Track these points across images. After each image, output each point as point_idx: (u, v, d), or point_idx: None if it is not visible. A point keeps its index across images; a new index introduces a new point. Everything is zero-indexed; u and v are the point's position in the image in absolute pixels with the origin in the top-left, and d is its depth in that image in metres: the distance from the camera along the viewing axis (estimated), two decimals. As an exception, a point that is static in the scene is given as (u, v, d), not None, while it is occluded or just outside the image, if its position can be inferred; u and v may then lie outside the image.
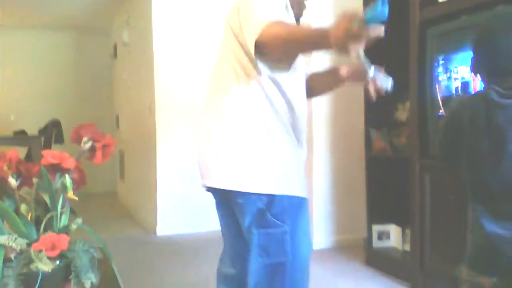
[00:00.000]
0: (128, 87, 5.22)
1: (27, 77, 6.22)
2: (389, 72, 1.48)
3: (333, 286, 2.87)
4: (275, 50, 1.34)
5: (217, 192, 1.58)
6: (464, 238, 2.33)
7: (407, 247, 3.03)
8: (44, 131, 4.79)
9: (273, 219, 1.47)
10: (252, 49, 1.34)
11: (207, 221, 3.87)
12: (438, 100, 2.44)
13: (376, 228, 3.27)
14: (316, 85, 1.71)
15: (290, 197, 1.49)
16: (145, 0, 4.31)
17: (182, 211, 4.10)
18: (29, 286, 1.06)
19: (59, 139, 4.79)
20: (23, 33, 6.19)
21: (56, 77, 6.31)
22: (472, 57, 1.30)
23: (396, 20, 2.72)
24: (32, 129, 4.94)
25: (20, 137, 4.71)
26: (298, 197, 1.51)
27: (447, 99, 2.39)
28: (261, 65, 1.39)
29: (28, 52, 6.25)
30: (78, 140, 1.28)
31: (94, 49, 6.42)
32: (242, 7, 1.45)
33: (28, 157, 4.09)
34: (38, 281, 1.07)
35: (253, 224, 1.49)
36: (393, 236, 3.26)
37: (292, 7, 1.50)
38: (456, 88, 2.35)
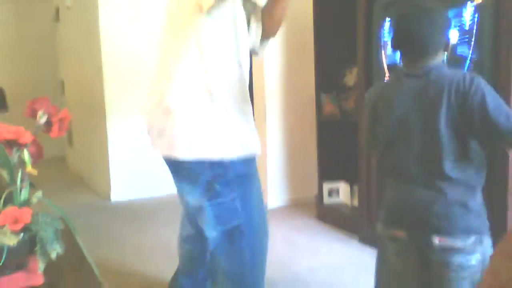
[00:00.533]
0: (73, 52, 5.03)
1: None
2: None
3: (288, 241, 3.02)
4: None
5: (167, 161, 1.62)
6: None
7: (355, 203, 3.23)
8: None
9: (221, 189, 1.53)
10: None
11: (161, 185, 3.94)
12: (384, 66, 2.55)
13: (326, 185, 3.45)
14: (268, 16, 1.67)
15: (236, 162, 1.53)
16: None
17: (135, 176, 4.10)
18: (-5, 260, 1.09)
19: (3, 107, 4.60)
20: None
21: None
22: (391, 37, 1.44)
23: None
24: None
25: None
26: (245, 160, 1.55)
27: (392, 66, 2.51)
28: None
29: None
30: (33, 114, 1.28)
31: (34, 13, 6.06)
32: None
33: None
34: (4, 255, 1.09)
35: (203, 196, 1.55)
36: (342, 193, 3.45)
37: None
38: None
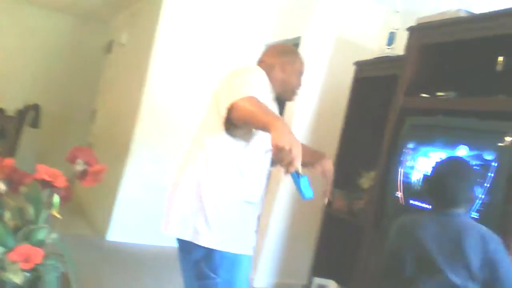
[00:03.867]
0: (116, 85, 5.23)
1: (15, 55, 6.01)
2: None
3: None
4: (238, 119, 1.52)
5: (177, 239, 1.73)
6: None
7: (342, 306, 3.20)
8: (22, 112, 4.74)
9: (207, 271, 1.62)
10: (223, 114, 1.54)
11: (160, 235, 3.94)
12: (399, 182, 2.64)
13: (316, 280, 3.42)
14: None
15: (226, 253, 1.63)
16: (154, 3, 4.37)
17: (137, 221, 4.12)
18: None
19: (35, 124, 4.76)
20: (19, 7, 6.04)
21: (45, 60, 6.18)
22: (425, 185, 1.58)
23: (385, 102, 2.97)
24: (10, 108, 4.85)
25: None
26: (237, 255, 1.65)
27: (405, 184, 2.60)
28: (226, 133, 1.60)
29: (20, 28, 6.05)
30: (72, 160, 1.37)
31: (88, 40, 6.35)
32: (229, 81, 1.64)
33: (1, 135, 4.06)
34: (7, 291, 1.14)
35: (194, 275, 1.66)
36: (331, 291, 3.41)
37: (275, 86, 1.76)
38: (415, 178, 2.55)
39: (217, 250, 1.61)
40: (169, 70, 4.20)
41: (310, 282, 3.42)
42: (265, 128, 1.37)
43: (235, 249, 1.64)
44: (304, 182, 1.32)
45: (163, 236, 4.03)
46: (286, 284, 3.82)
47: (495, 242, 1.46)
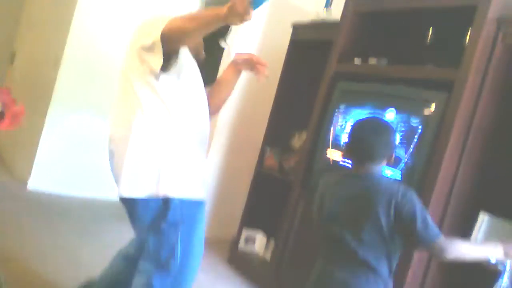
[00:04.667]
0: (36, 28, 4.84)
1: None
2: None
3: (197, 278, 3.05)
4: (180, 33, 1.48)
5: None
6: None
7: (268, 255, 3.36)
8: None
9: (166, 228, 1.60)
10: (158, 41, 1.48)
11: (83, 185, 3.84)
12: (329, 142, 2.77)
13: (245, 232, 3.55)
14: (218, 91, 1.90)
15: (185, 204, 1.61)
16: None
17: (59, 170, 3.95)
18: None
19: None
20: None
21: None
22: (345, 143, 1.68)
23: (320, 65, 3.05)
24: None
25: None
26: (194, 202, 1.65)
27: (334, 144, 2.74)
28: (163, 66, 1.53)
29: None
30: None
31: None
32: (145, 26, 1.61)
33: None
34: None
35: (148, 230, 1.62)
36: (258, 243, 3.57)
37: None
38: (344, 139, 2.68)
39: (175, 201, 1.58)
40: (99, 7, 3.92)
41: (239, 234, 3.54)
42: (214, 19, 1.38)
43: (193, 194, 1.63)
44: None
45: (85, 186, 3.92)
46: (218, 237, 3.92)
47: (409, 196, 1.52)
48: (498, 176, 2.31)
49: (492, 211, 2.19)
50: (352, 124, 1.74)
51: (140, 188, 1.57)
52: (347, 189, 1.64)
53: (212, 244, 3.82)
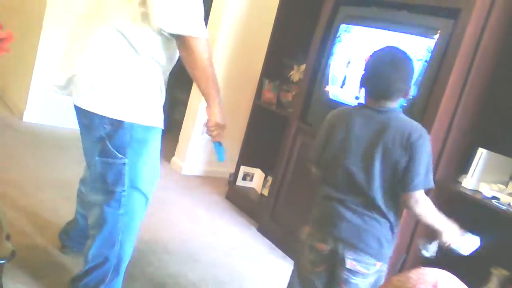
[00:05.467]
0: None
1: None
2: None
3: (191, 213, 3.07)
4: (190, 58, 1.55)
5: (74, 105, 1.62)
6: (311, 204, 2.66)
7: (265, 192, 3.34)
8: None
9: (113, 149, 1.55)
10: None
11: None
12: (330, 73, 2.63)
13: (243, 168, 3.52)
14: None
15: (136, 128, 1.56)
16: None
17: (55, 102, 3.85)
18: None
19: None
20: None
21: None
22: (362, 74, 1.57)
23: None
24: None
25: None
26: (145, 127, 1.58)
27: (334, 78, 2.60)
28: None
29: None
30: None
31: None
32: None
33: None
34: None
35: (95, 151, 1.57)
36: (256, 180, 3.55)
37: None
38: (345, 73, 2.55)
39: (127, 124, 1.53)
40: None
41: (237, 171, 3.51)
42: (205, 95, 1.61)
43: (147, 121, 1.57)
44: (222, 149, 1.74)
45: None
46: (214, 172, 3.91)
47: (425, 138, 1.47)
48: (497, 112, 2.23)
49: (490, 147, 2.12)
50: (369, 55, 1.60)
51: (99, 104, 1.52)
52: (363, 124, 1.53)
53: (209, 179, 3.83)
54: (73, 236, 2.01)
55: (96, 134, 1.55)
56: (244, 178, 3.55)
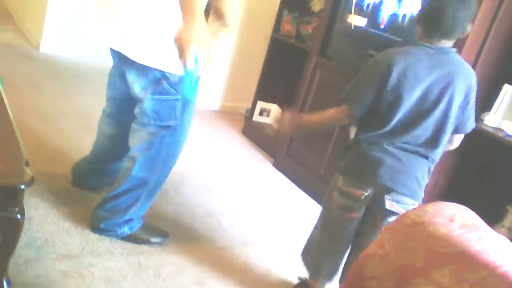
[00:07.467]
0: None
1: None
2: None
3: (211, 146, 3.09)
4: None
5: (119, 56, 1.61)
6: (328, 142, 2.62)
7: (282, 128, 3.32)
8: None
9: (168, 87, 1.60)
10: None
11: (96, 50, 3.73)
12: (352, 5, 2.50)
13: (260, 104, 3.49)
14: None
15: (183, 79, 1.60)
16: None
17: (71, 33, 3.81)
18: None
19: None
20: None
21: None
22: (420, 11, 1.49)
23: None
24: None
25: None
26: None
27: (357, 8, 2.47)
28: None
29: None
30: None
31: None
32: None
33: None
34: None
35: (148, 89, 1.60)
36: (272, 115, 3.52)
37: None
38: (368, 5, 2.42)
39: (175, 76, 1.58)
40: None
41: (254, 106, 3.48)
42: (184, 6, 1.36)
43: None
44: (196, 64, 1.36)
45: (100, 52, 3.80)
46: (232, 107, 3.89)
47: (476, 79, 1.49)
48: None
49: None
50: None
51: (160, 61, 1.54)
52: (430, 66, 1.43)
53: (226, 114, 3.82)
54: (85, 174, 2.01)
55: (150, 76, 1.58)
56: (260, 114, 3.52)
